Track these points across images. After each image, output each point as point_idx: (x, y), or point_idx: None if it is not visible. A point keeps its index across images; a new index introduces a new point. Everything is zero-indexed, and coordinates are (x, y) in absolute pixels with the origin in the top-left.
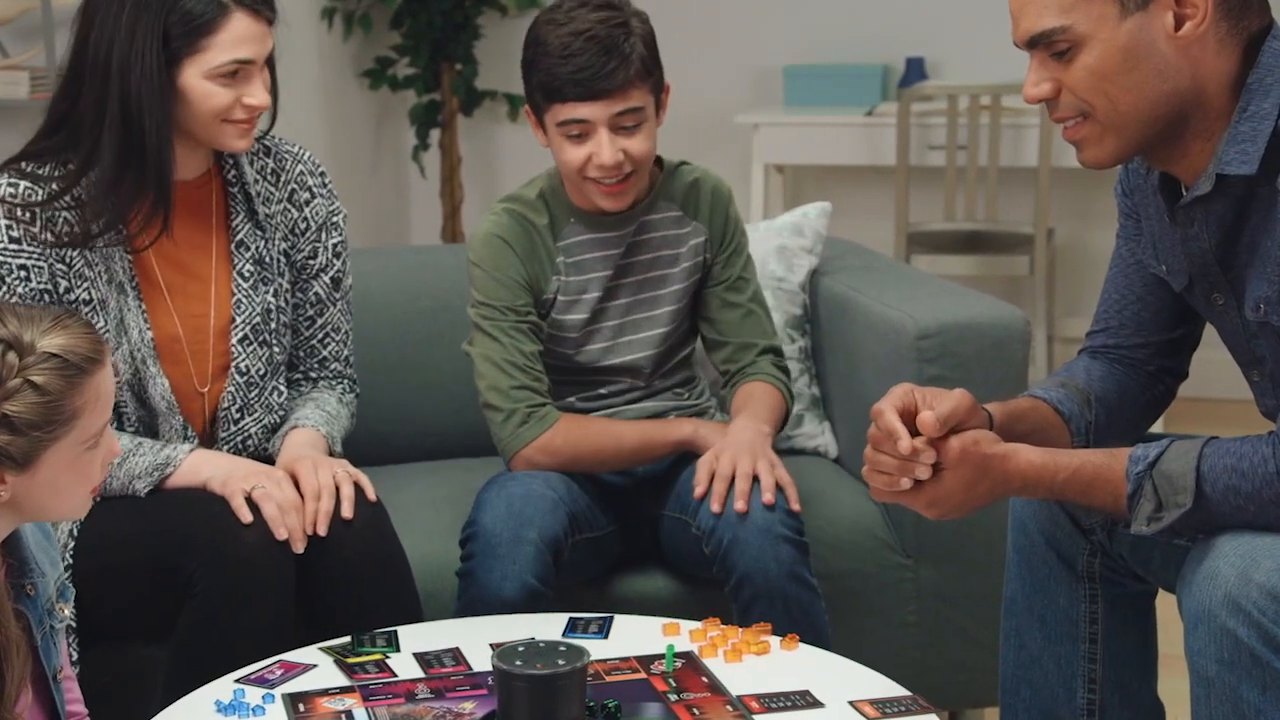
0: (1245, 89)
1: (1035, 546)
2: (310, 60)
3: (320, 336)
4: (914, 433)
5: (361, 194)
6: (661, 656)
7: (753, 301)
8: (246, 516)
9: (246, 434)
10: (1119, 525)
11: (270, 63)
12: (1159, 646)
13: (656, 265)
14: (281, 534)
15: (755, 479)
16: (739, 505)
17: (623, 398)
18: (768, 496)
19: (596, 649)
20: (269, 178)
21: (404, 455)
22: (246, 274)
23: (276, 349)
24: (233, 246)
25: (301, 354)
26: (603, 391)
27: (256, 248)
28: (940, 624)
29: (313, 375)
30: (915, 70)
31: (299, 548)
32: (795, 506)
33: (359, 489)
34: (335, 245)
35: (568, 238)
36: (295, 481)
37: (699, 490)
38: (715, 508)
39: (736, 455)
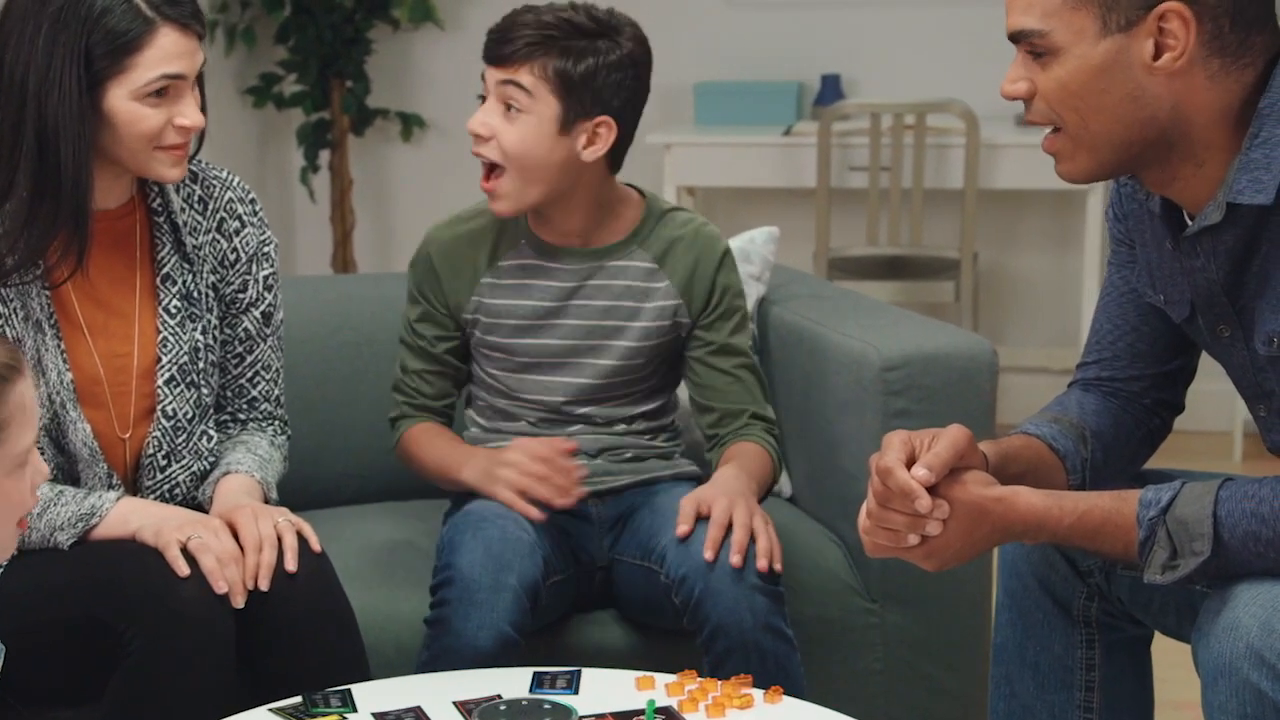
0: (1257, 114)
1: (1028, 590)
2: None
3: (250, 375)
4: None
5: None
6: (639, 712)
7: (741, 369)
8: (183, 569)
9: (174, 482)
10: (1118, 567)
11: (200, 82)
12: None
13: (613, 314)
14: (221, 587)
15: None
16: (735, 559)
17: (556, 430)
18: (762, 562)
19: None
20: (196, 206)
21: (327, 499)
22: (173, 310)
23: (205, 390)
24: (158, 281)
25: (229, 394)
26: (532, 419)
27: (184, 282)
28: (908, 672)
29: (241, 417)
30: (831, 88)
31: (239, 602)
32: (779, 567)
33: (302, 539)
34: (266, 277)
35: (509, 259)
36: (233, 532)
37: (683, 529)
38: (709, 555)
39: (732, 504)
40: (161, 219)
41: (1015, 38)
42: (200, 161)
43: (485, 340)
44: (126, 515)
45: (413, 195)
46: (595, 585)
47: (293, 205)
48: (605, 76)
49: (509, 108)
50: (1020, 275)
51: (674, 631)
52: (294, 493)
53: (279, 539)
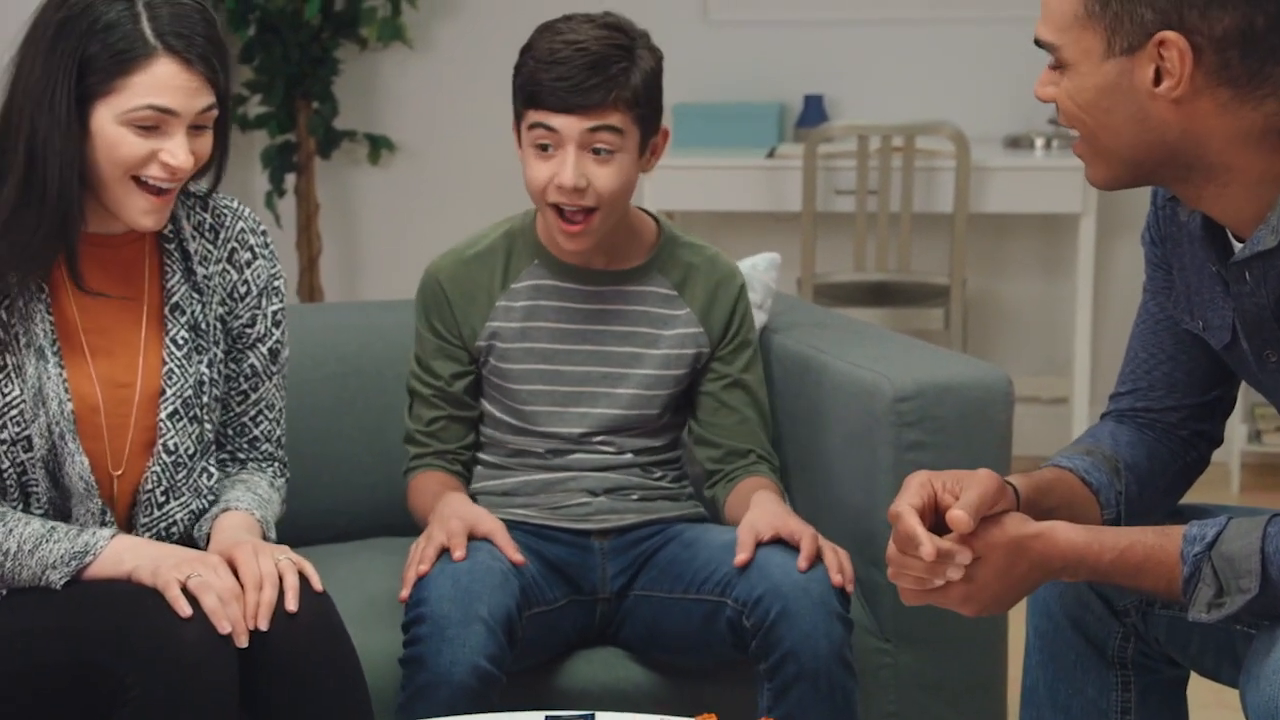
0: None
1: (1060, 630)
2: None
3: (253, 414)
4: (934, 525)
5: None
6: None
7: (749, 406)
8: (186, 610)
9: (171, 520)
10: (1155, 606)
11: (223, 124)
12: None
13: (632, 341)
14: (225, 628)
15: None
16: (802, 564)
17: (566, 459)
18: (837, 577)
19: None
20: (207, 234)
21: (314, 536)
22: (180, 341)
23: (208, 425)
24: (167, 310)
25: (230, 432)
26: (541, 450)
27: (193, 312)
28: (922, 715)
29: (241, 456)
30: (814, 109)
31: (243, 642)
32: (850, 587)
33: (303, 579)
34: (275, 313)
35: (523, 280)
36: (232, 569)
37: (743, 556)
38: (804, 565)
39: (799, 525)
40: (172, 246)
41: (1039, 44)
42: (203, 187)
43: (499, 369)
44: (121, 554)
45: (381, 220)
46: (597, 619)
47: None
48: (656, 85)
49: (596, 152)
50: (1010, 302)
51: (686, 671)
52: (279, 529)
53: (280, 577)
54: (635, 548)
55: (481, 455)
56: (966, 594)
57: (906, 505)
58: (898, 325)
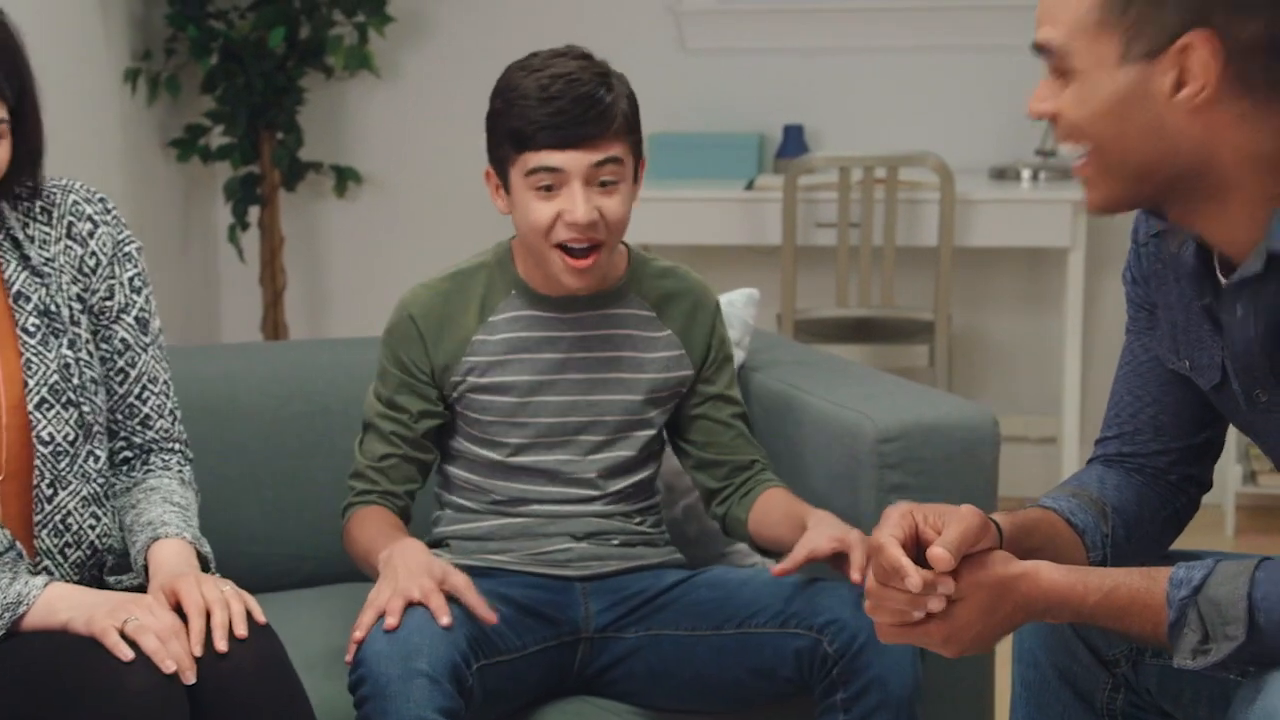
0: None
1: (1046, 681)
2: (111, 128)
3: (137, 391)
4: (915, 559)
5: (167, 281)
6: None
7: (738, 419)
8: (126, 654)
9: (65, 510)
10: (1145, 655)
11: (23, 125)
12: None
13: (617, 366)
14: (169, 667)
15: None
16: (855, 576)
17: (547, 505)
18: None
19: None
20: (39, 217)
21: (280, 582)
22: (32, 328)
23: (86, 408)
24: (10, 300)
25: (120, 416)
26: (523, 486)
27: (39, 297)
28: None
29: (137, 441)
30: (793, 139)
31: (190, 678)
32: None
33: (248, 612)
34: (132, 279)
35: (501, 313)
36: (177, 600)
37: (786, 566)
38: (855, 577)
39: (839, 530)
40: (1, 237)
41: (1038, 49)
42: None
43: (477, 403)
44: (54, 604)
45: (347, 254)
46: (577, 661)
47: (218, 266)
48: (637, 109)
49: (602, 184)
50: (997, 338)
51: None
52: (243, 574)
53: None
54: (618, 591)
55: (456, 499)
56: (948, 634)
57: (889, 536)
58: (881, 362)
